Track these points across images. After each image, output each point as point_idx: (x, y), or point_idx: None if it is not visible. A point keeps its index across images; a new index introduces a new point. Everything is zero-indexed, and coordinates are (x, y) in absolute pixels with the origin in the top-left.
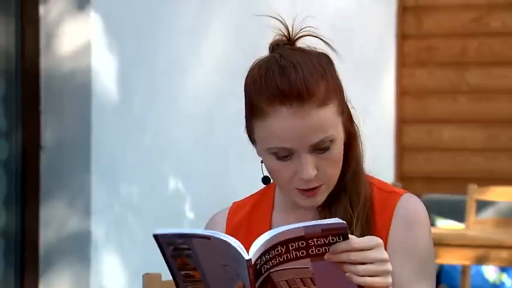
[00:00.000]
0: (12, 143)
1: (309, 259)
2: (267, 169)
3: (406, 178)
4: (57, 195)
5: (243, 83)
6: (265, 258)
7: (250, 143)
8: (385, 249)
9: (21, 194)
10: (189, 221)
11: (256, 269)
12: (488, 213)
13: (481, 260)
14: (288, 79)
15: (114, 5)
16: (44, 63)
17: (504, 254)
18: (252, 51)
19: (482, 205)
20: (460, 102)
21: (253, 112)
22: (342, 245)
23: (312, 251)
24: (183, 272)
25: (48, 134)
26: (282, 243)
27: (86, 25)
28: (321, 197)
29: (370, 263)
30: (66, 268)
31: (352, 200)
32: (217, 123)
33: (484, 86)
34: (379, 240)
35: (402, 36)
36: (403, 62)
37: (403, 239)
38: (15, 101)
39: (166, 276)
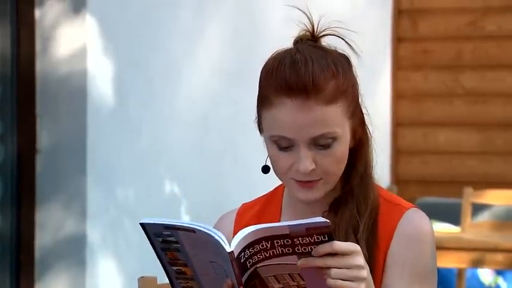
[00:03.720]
0: (8, 146)
1: (295, 256)
2: (269, 157)
3: (401, 181)
4: (53, 198)
5: (239, 86)
6: (250, 252)
7: (258, 136)
8: (384, 261)
9: (17, 197)
10: None
11: (241, 262)
12: (483, 217)
13: (476, 263)
14: (297, 73)
15: (110, 8)
16: (40, 66)
17: (500, 257)
18: (247, 54)
19: (477, 208)
20: (455, 105)
21: (262, 102)
22: (325, 247)
23: (298, 249)
24: (175, 268)
25: (44, 137)
26: (267, 239)
27: (81, 28)
28: (318, 192)
29: (346, 268)
30: (61, 271)
31: (358, 206)
32: (213, 127)
33: (479, 89)
34: (358, 248)
35: (398, 40)
36: (398, 65)
37: (403, 253)
38: (11, 104)
39: (162, 279)
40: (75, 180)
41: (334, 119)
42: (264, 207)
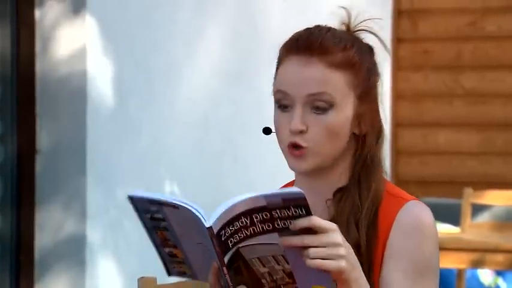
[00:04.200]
0: (7, 146)
1: (276, 234)
2: (274, 123)
3: (401, 182)
4: (53, 198)
5: (239, 86)
6: (230, 230)
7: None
8: (383, 253)
9: (17, 197)
10: None
11: (222, 241)
12: (483, 217)
13: (476, 264)
14: (308, 34)
15: (110, 9)
16: (40, 67)
17: (500, 257)
18: (247, 55)
19: (477, 209)
20: (455, 106)
21: (276, 66)
22: (303, 222)
23: (278, 224)
24: (167, 250)
25: (43, 138)
26: (245, 214)
27: (81, 29)
28: (307, 163)
29: (323, 246)
30: (61, 272)
31: (361, 195)
32: (213, 127)
33: (479, 89)
34: (335, 226)
35: (397, 40)
36: (398, 66)
37: (401, 243)
38: (11, 105)
39: (162, 279)
40: (75, 181)
41: (334, 83)
42: None
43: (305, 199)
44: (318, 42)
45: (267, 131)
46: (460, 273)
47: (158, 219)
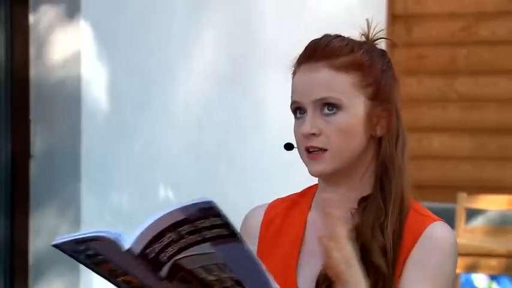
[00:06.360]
0: (1, 151)
1: (209, 243)
2: (293, 133)
3: None
4: (47, 204)
5: (234, 91)
6: (158, 246)
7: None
8: (405, 260)
9: (11, 202)
10: None
11: (151, 258)
12: (477, 222)
13: (471, 268)
14: (316, 42)
15: (105, 13)
16: (34, 71)
17: (494, 262)
18: (242, 60)
19: (471, 213)
20: (449, 110)
21: (292, 78)
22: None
23: (207, 235)
24: (119, 279)
25: (38, 143)
26: (169, 229)
27: (76, 34)
28: (325, 165)
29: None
30: (56, 277)
31: (385, 200)
32: (208, 131)
33: (473, 94)
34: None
35: (391, 45)
36: None
37: (425, 259)
38: (5, 110)
39: None
40: (69, 186)
41: (339, 85)
42: (294, 203)
43: (215, 208)
44: (324, 47)
45: (288, 146)
46: (454, 277)
47: (93, 255)
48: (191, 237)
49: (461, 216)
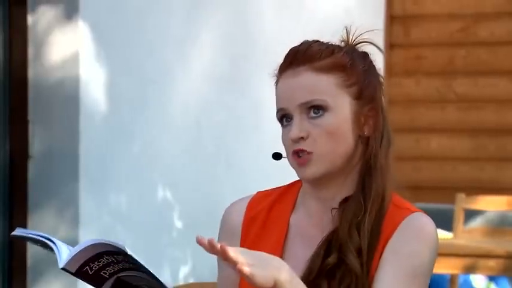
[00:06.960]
0: (0, 152)
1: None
2: (281, 141)
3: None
4: (46, 205)
5: (232, 92)
6: (97, 265)
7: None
8: (381, 256)
9: (9, 203)
10: (178, 229)
11: (92, 274)
12: (476, 223)
13: (469, 269)
14: (296, 48)
15: (103, 14)
16: (32, 72)
17: (492, 262)
18: (240, 60)
19: (470, 214)
20: (447, 111)
21: (275, 87)
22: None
23: (136, 262)
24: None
25: (36, 144)
26: (102, 254)
27: (74, 35)
28: (312, 169)
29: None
30: (54, 279)
31: (365, 199)
32: (206, 132)
33: (471, 95)
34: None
35: (390, 46)
36: (390, 72)
37: (399, 247)
38: (3, 111)
39: None
40: (67, 186)
41: (323, 87)
42: (278, 198)
43: (114, 251)
44: (304, 51)
45: (276, 156)
46: (452, 278)
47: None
48: (129, 264)
49: (459, 217)
